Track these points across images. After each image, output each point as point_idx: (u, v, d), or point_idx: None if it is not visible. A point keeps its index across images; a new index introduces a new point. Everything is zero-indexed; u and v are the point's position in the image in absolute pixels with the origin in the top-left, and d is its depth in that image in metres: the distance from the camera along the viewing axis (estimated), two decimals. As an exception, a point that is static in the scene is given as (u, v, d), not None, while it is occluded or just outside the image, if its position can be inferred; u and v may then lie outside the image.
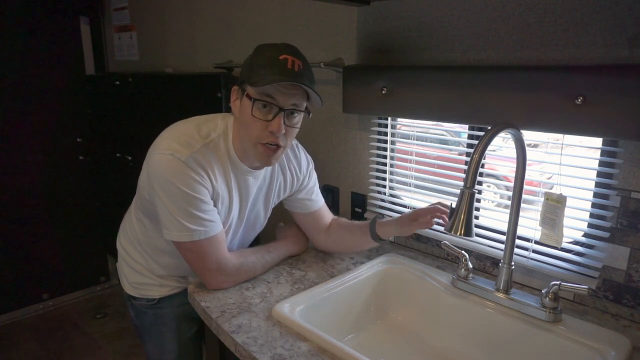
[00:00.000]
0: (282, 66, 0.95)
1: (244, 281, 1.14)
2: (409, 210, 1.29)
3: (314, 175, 1.29)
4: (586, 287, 0.91)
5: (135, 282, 1.23)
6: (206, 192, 1.01)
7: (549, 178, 1.47)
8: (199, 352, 1.34)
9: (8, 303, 2.61)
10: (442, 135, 1.71)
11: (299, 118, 1.03)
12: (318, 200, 1.28)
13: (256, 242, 1.33)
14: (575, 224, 1.07)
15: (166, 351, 1.27)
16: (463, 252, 1.11)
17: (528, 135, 1.00)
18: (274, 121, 0.98)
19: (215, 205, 1.05)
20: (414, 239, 1.39)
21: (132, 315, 1.29)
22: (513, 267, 1.03)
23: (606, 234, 1.00)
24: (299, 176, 1.23)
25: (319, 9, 1.51)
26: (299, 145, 1.27)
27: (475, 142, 1.10)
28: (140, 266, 1.21)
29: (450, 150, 1.60)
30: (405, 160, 1.42)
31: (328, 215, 1.31)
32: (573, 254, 1.07)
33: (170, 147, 0.99)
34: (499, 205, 1.27)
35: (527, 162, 0.96)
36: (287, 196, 1.26)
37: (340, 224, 1.30)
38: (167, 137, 1.03)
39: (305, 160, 1.25)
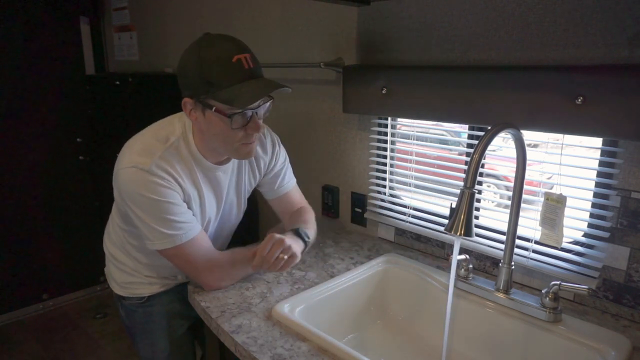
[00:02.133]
0: (241, 70, 0.93)
1: (240, 278, 1.14)
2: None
3: (282, 158, 1.26)
4: (586, 287, 0.91)
5: (124, 282, 1.23)
6: (176, 194, 1.01)
7: (549, 178, 1.47)
8: (191, 350, 1.35)
9: (8, 303, 2.60)
10: (442, 135, 1.71)
11: (267, 107, 1.02)
12: (284, 185, 1.27)
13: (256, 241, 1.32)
14: (575, 224, 1.07)
15: (158, 349, 1.27)
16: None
17: (528, 135, 0.99)
18: (251, 124, 0.98)
19: (189, 207, 1.06)
20: (414, 239, 1.39)
21: (122, 315, 1.29)
22: (513, 267, 1.03)
23: (606, 234, 1.00)
24: (265, 159, 1.22)
25: (319, 9, 1.51)
26: (265, 127, 1.24)
27: (475, 142, 1.10)
28: (127, 267, 1.22)
29: (450, 150, 1.60)
30: (405, 160, 1.42)
31: (296, 201, 1.30)
32: (573, 254, 1.07)
33: (131, 161, 0.99)
34: (499, 205, 1.27)
35: (527, 162, 0.96)
36: (260, 180, 1.26)
37: (294, 216, 1.26)
38: (127, 152, 1.03)
39: (270, 143, 1.23)
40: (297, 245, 1.08)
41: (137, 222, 1.03)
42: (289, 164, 1.30)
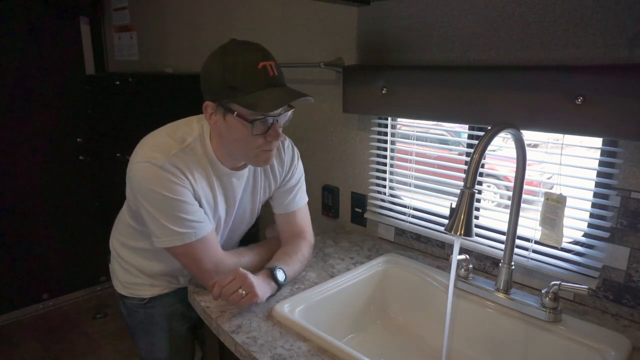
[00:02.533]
0: (266, 76, 0.93)
1: None
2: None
3: (298, 175, 1.25)
4: (586, 287, 0.91)
5: (127, 282, 1.24)
6: (188, 193, 1.01)
7: (549, 178, 1.47)
8: (190, 350, 1.35)
9: (8, 303, 2.60)
10: (442, 135, 1.71)
11: (288, 117, 1.03)
12: (295, 202, 1.24)
13: (256, 240, 1.32)
14: (575, 224, 1.07)
15: (158, 350, 1.28)
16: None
17: (528, 135, 0.99)
18: (271, 131, 0.98)
19: (200, 207, 1.05)
20: (414, 239, 1.39)
21: (124, 314, 1.30)
22: (513, 267, 1.03)
23: (606, 234, 1.00)
24: (281, 171, 1.22)
25: (319, 9, 1.51)
26: (287, 140, 1.24)
27: (475, 142, 1.10)
28: (131, 267, 1.22)
29: (450, 150, 1.60)
30: (405, 160, 1.42)
31: (300, 224, 1.24)
32: (573, 254, 1.07)
33: (145, 156, 0.99)
34: (499, 205, 1.27)
35: (527, 162, 0.96)
36: (274, 191, 1.24)
37: (289, 244, 1.21)
38: (143, 147, 1.03)
39: (289, 156, 1.22)
40: (264, 286, 1.02)
41: (146, 218, 1.02)
42: (304, 183, 1.27)
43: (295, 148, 1.25)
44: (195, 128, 1.06)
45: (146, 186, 0.98)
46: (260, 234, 1.35)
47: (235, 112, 0.95)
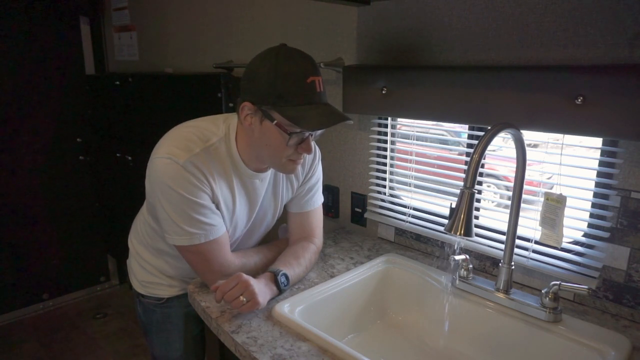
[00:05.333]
0: (312, 92, 0.94)
1: None
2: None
3: (318, 174, 1.25)
4: (586, 287, 0.91)
5: (145, 281, 1.24)
6: (205, 195, 1.00)
7: (549, 178, 1.47)
8: (202, 350, 1.36)
9: (8, 303, 2.61)
10: (442, 135, 1.71)
11: (322, 131, 1.03)
12: (312, 202, 1.24)
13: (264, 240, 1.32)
14: (575, 224, 1.07)
15: (172, 349, 1.28)
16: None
17: (528, 135, 1.00)
18: (304, 145, 0.99)
19: (217, 209, 1.05)
20: (414, 239, 1.39)
21: (139, 311, 1.30)
22: (513, 267, 1.03)
23: (606, 234, 1.00)
24: (302, 171, 1.21)
25: (319, 9, 1.51)
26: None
27: (475, 142, 1.10)
28: (151, 266, 1.22)
29: (450, 150, 1.60)
30: (405, 160, 1.42)
31: (312, 225, 1.24)
32: (573, 254, 1.07)
33: (168, 152, 0.99)
34: (499, 205, 1.27)
35: (527, 162, 0.96)
36: (297, 190, 1.23)
37: (297, 245, 1.20)
38: (167, 142, 1.02)
39: (311, 155, 1.20)
40: (265, 291, 1.01)
41: (159, 213, 1.02)
42: (321, 184, 1.27)
43: (318, 148, 1.24)
44: (221, 127, 1.05)
45: (165, 182, 0.98)
46: (272, 232, 1.34)
47: (275, 121, 0.94)
